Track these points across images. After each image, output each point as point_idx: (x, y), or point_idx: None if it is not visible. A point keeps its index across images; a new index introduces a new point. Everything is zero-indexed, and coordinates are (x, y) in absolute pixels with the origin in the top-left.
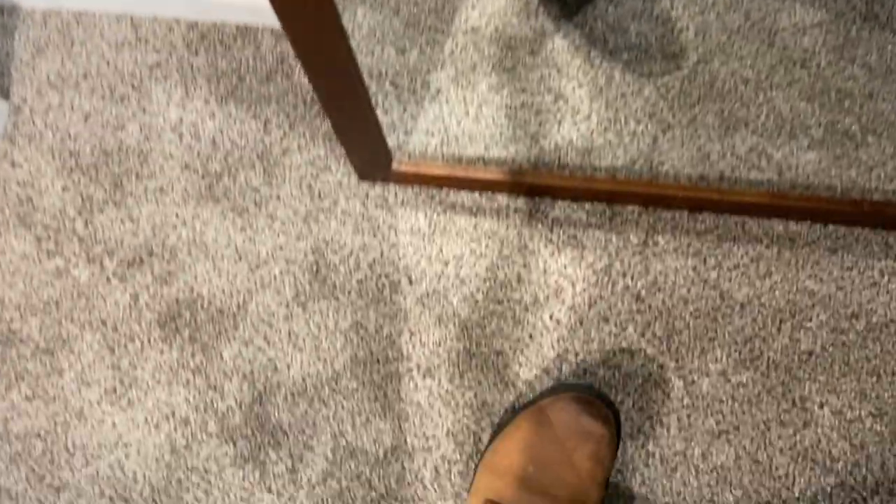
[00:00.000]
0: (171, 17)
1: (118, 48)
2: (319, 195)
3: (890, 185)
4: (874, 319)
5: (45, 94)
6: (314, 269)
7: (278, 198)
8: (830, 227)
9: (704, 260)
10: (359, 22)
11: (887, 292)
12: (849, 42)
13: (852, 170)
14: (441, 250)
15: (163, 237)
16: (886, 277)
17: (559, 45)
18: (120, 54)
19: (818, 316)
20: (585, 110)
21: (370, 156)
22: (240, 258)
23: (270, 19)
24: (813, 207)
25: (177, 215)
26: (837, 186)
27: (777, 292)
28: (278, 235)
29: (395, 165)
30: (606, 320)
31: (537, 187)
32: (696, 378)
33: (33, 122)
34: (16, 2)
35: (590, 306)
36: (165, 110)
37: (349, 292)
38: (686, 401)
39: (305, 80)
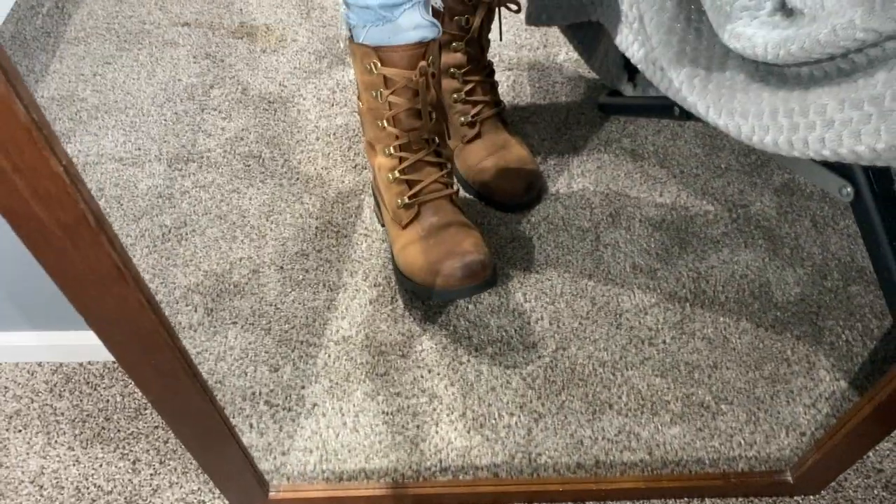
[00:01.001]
0: (33, 362)
1: None
2: None
3: (750, 450)
4: None
5: None
6: None
7: None
8: (707, 501)
9: None
10: (230, 344)
11: None
12: (686, 317)
13: (714, 440)
14: None
15: None
16: None
17: (427, 346)
18: None
19: None
20: (460, 408)
21: (243, 488)
22: None
23: None
24: (686, 486)
25: None
26: (704, 458)
27: None
28: None
29: (272, 493)
30: None
31: (422, 498)
32: None
33: None
34: None
35: None
36: (24, 461)
37: None
38: None
39: None
